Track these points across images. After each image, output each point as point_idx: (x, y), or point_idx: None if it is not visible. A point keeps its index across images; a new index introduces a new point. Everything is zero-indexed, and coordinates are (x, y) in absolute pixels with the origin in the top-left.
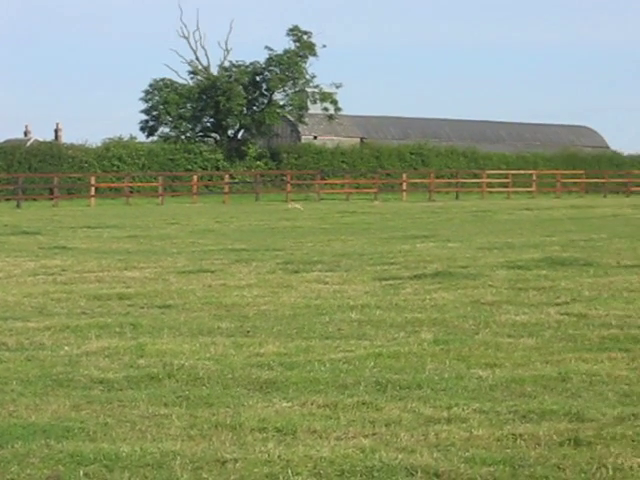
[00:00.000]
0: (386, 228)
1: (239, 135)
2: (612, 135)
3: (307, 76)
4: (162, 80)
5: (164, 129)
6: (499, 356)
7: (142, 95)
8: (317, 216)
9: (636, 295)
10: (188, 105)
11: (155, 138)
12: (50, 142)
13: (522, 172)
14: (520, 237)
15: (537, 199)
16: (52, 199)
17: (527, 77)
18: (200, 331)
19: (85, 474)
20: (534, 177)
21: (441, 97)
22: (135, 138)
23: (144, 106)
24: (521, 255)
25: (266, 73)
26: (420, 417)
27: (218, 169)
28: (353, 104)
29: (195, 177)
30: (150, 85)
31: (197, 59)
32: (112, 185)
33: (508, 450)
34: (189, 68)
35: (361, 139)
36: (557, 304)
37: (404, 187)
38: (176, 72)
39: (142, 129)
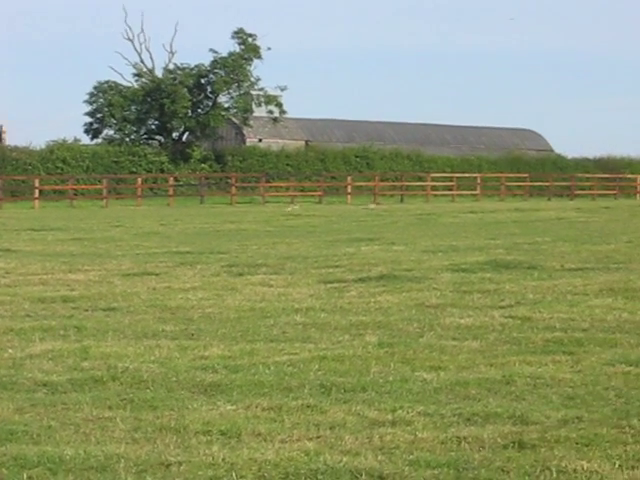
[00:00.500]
0: (331, 231)
1: (184, 138)
2: (556, 138)
3: (252, 79)
4: (107, 82)
5: (108, 131)
6: (443, 359)
7: (86, 97)
8: (262, 219)
9: (580, 298)
10: (133, 108)
11: (99, 141)
12: None
13: (466, 175)
14: (464, 240)
15: (481, 202)
16: None
17: (472, 80)
18: (144, 334)
19: (29, 477)
20: (478, 180)
21: (386, 100)
22: (79, 140)
23: (88, 108)
24: (465, 258)
25: (211, 76)
26: (364, 420)
27: (163, 172)
28: (298, 107)
29: (139, 180)
30: (94, 87)
31: (142, 62)
32: (56, 187)
33: (452, 453)
34: (134, 70)
35: (306, 142)
36: (501, 307)
37: (349, 190)
38: (121, 74)
39: (86, 131)
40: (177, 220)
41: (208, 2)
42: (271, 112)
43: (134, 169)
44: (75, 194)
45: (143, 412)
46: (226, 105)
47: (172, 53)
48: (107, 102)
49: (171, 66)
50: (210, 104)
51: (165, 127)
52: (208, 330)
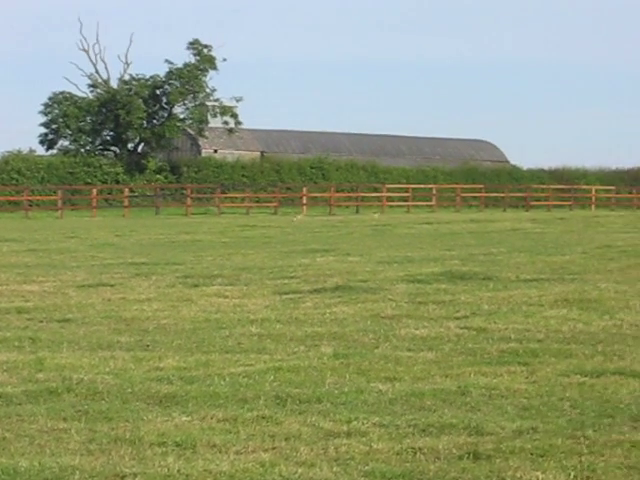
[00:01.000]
0: (286, 242)
1: (139, 148)
2: (511, 150)
3: (207, 90)
4: (62, 93)
5: (64, 142)
6: (399, 370)
7: (41, 108)
8: (217, 230)
9: (535, 309)
10: (88, 118)
11: (55, 151)
12: None
13: (422, 186)
14: (420, 251)
15: (437, 213)
16: None
17: (427, 91)
18: (99, 345)
19: None
20: (434, 191)
21: (342, 111)
22: (34, 151)
23: (43, 119)
24: (421, 269)
25: (166, 86)
26: (320, 431)
27: (118, 182)
28: (253, 118)
29: (95, 191)
30: (49, 98)
31: (97, 72)
32: (11, 199)
33: (407, 464)
34: (89, 81)
35: (261, 153)
36: (457, 318)
37: (304, 201)
38: (76, 85)
39: (41, 142)
40: (132, 231)
41: (163, 13)
42: (226, 123)
43: (89, 180)
44: (30, 205)
45: (98, 423)
46: (181, 116)
47: (127, 64)
48: (62, 113)
49: (126, 77)
50: (165, 115)
51: (120, 138)
52: (163, 341)
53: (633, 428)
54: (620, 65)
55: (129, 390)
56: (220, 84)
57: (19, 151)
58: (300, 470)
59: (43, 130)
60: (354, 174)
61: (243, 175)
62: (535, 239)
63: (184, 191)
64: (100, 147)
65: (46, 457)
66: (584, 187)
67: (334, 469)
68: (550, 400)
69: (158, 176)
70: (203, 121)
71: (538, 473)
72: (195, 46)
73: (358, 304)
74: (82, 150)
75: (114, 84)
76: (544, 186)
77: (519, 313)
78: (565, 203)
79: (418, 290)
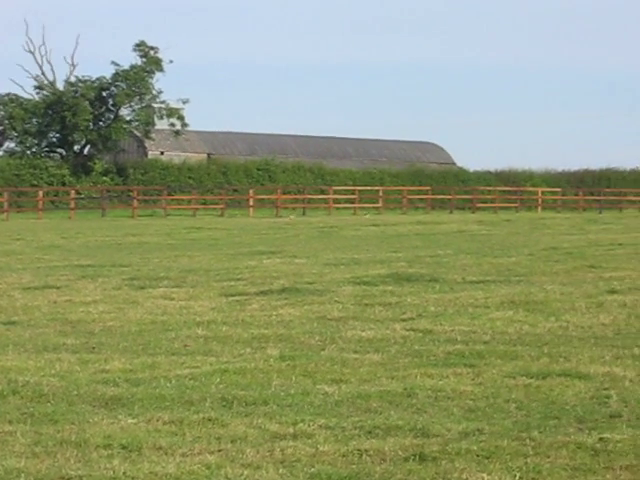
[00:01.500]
0: (233, 244)
1: (85, 150)
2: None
3: (154, 91)
4: (7, 95)
5: (9, 144)
6: (345, 372)
7: None
8: (164, 232)
9: (481, 311)
10: (34, 120)
11: (0, 153)
12: None
13: (369, 188)
14: (366, 253)
15: (383, 215)
16: None
17: (373, 93)
18: (45, 347)
19: None
20: (380, 193)
21: (288, 113)
22: None
23: None
24: (367, 271)
25: (112, 88)
26: (266, 433)
27: (64, 184)
28: (200, 120)
29: (41, 193)
30: None
31: (43, 74)
32: None
33: (354, 466)
34: (35, 83)
35: (208, 155)
36: (403, 320)
37: (251, 203)
38: (21, 87)
39: None
40: (78, 233)
41: (110, 15)
42: (173, 125)
43: (35, 182)
44: None
45: (44, 426)
46: (128, 118)
47: (73, 66)
48: (8, 115)
49: (72, 79)
50: (112, 117)
51: (67, 140)
52: (109, 343)
53: (578, 429)
54: (566, 67)
55: (75, 392)
56: (166, 86)
57: None
58: (246, 472)
59: None
60: (301, 176)
61: (190, 177)
62: (481, 241)
63: (130, 193)
64: (46, 149)
65: None
66: (530, 189)
67: (280, 471)
68: (496, 402)
69: (104, 178)
70: (149, 123)
71: (484, 475)
72: (141, 48)
73: (304, 306)
74: (28, 152)
75: (60, 86)
76: (490, 188)
77: (465, 315)
78: (511, 205)
79: (364, 292)
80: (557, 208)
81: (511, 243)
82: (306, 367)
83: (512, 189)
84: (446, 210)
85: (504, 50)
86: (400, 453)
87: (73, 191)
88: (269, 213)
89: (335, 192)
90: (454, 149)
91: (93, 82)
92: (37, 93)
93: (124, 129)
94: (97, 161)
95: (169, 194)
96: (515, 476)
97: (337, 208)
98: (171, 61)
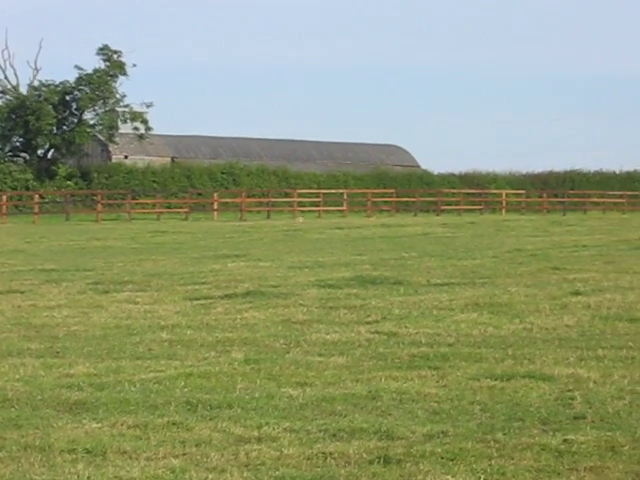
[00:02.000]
0: (197, 248)
1: (49, 155)
2: (422, 154)
3: (117, 95)
4: None
5: None
6: (310, 375)
7: None
8: (128, 236)
9: (445, 313)
10: None
11: None
12: None
13: (333, 191)
14: (331, 256)
15: (348, 218)
16: None
17: (337, 96)
18: (9, 352)
19: None
20: (345, 196)
21: (252, 116)
22: None
23: None
24: (332, 274)
25: (76, 92)
26: (230, 436)
27: (28, 189)
28: (164, 124)
29: (4, 197)
30: None
31: (6, 78)
32: None
33: (318, 469)
34: None
35: (172, 158)
36: (367, 322)
37: (215, 206)
38: None
39: None
40: (42, 237)
41: (73, 19)
42: (137, 129)
43: None
44: None
45: (7, 431)
46: (91, 122)
47: (37, 70)
48: None
49: (36, 83)
50: (75, 121)
51: (30, 144)
52: (73, 348)
53: (542, 431)
54: (529, 70)
55: (39, 397)
56: (130, 90)
57: None
58: (211, 476)
59: None
60: (265, 179)
61: (154, 181)
62: (446, 243)
63: (94, 197)
64: (10, 153)
65: None
66: (494, 191)
67: (244, 474)
68: (460, 404)
69: (68, 182)
70: (113, 127)
71: (448, 477)
72: (105, 52)
73: (269, 309)
74: None
75: (24, 90)
76: (455, 190)
77: (430, 317)
78: (476, 207)
79: (329, 295)
80: (521, 210)
81: (475, 245)
82: (271, 370)
83: (476, 191)
84: (410, 213)
85: (467, 53)
86: (365, 456)
87: (37, 195)
88: (233, 217)
89: (299, 195)
90: (418, 152)
91: (56, 86)
92: (0, 97)
93: (88, 133)
94: (61, 165)
95: (133, 198)
96: (479, 478)
97: (301, 211)
98: (134, 65)
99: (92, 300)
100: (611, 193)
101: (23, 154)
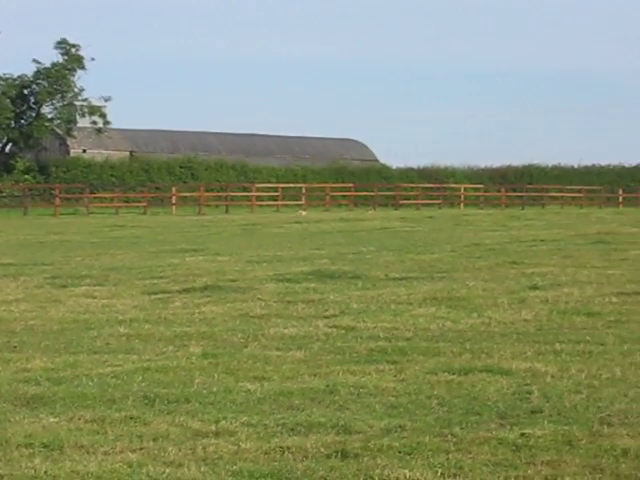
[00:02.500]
0: (155, 242)
1: (7, 149)
2: (381, 149)
3: (76, 89)
4: None
5: None
6: (267, 369)
7: None
8: (86, 230)
9: (404, 307)
10: None
11: None
12: None
13: (291, 185)
14: (289, 250)
15: (307, 212)
16: None
17: (296, 90)
18: None
19: None
20: (303, 190)
21: (210, 110)
22: None
23: None
24: (290, 268)
25: (34, 86)
26: (188, 431)
27: None
28: (122, 118)
29: None
30: None
31: None
32: None
33: (276, 463)
34: None
35: (130, 153)
36: (325, 317)
37: (174, 201)
38: None
39: None
40: (0, 232)
41: (30, 12)
42: (95, 123)
43: None
44: None
45: None
46: (50, 116)
47: None
48: None
49: None
50: (33, 115)
51: None
52: (31, 342)
53: (500, 425)
54: (487, 63)
55: None
56: (88, 84)
57: None
58: (168, 470)
59: None
60: (223, 173)
61: (112, 175)
62: (404, 238)
63: (53, 191)
64: None
65: None
66: (453, 185)
67: (202, 469)
68: (418, 398)
69: (26, 176)
70: (71, 121)
71: (406, 471)
72: (63, 45)
73: (227, 304)
74: None
75: None
76: (413, 185)
77: (388, 312)
78: (434, 202)
79: (287, 289)
80: (479, 204)
81: (434, 240)
82: (228, 365)
83: (435, 186)
84: (369, 207)
85: (425, 46)
86: (322, 450)
87: None
88: (192, 211)
89: (258, 189)
90: (376, 146)
91: (14, 80)
92: None
93: (46, 127)
94: (19, 159)
95: (91, 192)
96: (437, 472)
97: (260, 206)
98: (93, 59)
99: (50, 294)
100: (569, 187)
101: None
